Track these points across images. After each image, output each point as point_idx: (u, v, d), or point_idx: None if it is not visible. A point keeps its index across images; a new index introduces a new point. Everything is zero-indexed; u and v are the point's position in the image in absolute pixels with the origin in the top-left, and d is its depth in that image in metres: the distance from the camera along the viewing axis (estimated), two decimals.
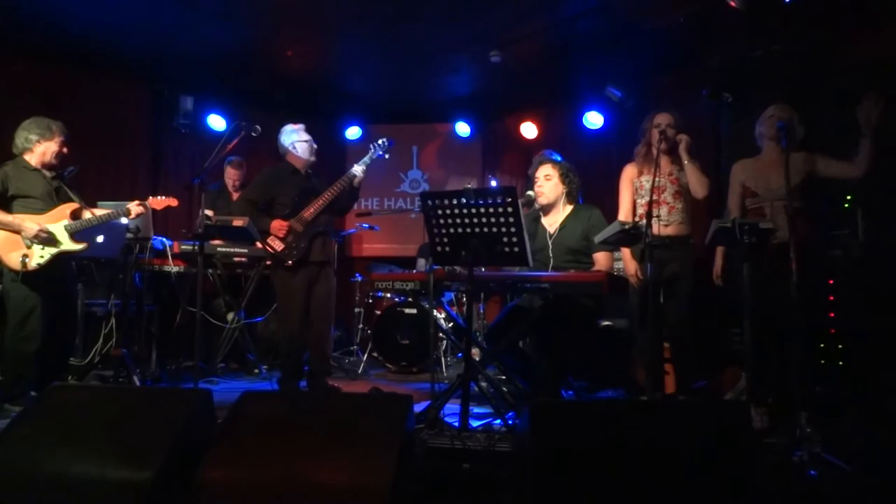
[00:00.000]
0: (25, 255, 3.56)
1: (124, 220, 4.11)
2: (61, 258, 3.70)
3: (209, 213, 5.17)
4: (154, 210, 4.17)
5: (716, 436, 2.06)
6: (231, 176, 5.55)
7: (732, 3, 4.13)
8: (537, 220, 3.78)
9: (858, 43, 4.32)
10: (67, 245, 3.70)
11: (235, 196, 5.49)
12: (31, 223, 3.59)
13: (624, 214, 3.82)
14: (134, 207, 3.92)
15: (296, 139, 4.26)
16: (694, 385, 3.76)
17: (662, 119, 3.70)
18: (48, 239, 3.62)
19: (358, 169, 4.22)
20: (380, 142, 4.28)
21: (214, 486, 1.97)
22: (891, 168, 3.94)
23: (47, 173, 3.78)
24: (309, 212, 4.11)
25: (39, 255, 3.61)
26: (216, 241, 4.86)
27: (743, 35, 4.69)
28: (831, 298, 3.73)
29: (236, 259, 5.12)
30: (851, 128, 3.28)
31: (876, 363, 3.56)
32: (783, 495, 2.36)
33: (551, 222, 3.74)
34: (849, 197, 3.96)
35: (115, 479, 1.98)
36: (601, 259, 3.59)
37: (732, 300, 3.46)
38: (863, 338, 3.65)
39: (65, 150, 3.80)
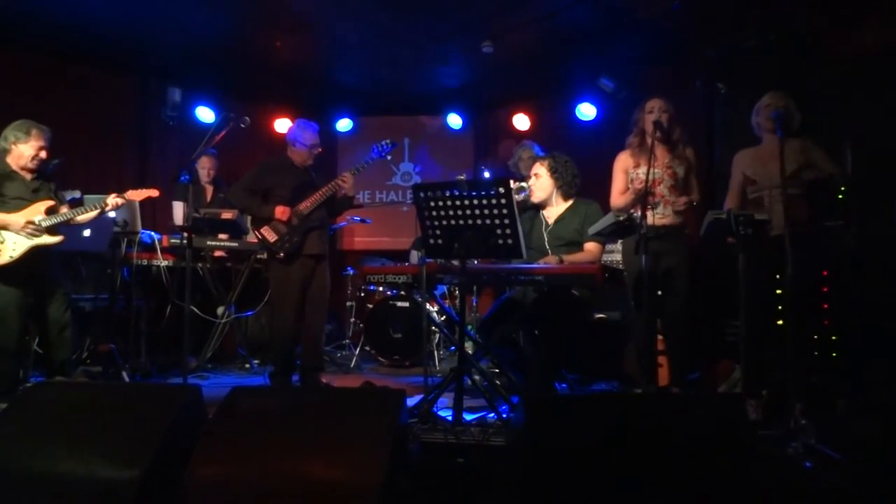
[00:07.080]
0: None
1: (112, 214, 4.03)
2: (40, 253, 3.63)
3: (179, 205, 5.13)
4: (138, 202, 4.09)
5: (711, 428, 2.05)
6: (205, 165, 5.36)
7: None
8: (538, 211, 3.76)
9: (850, 33, 4.31)
10: (43, 239, 3.62)
11: (209, 190, 5.41)
12: (16, 217, 3.53)
13: (617, 194, 3.67)
14: (111, 200, 3.78)
15: (299, 139, 4.17)
16: (688, 377, 3.75)
17: (655, 104, 3.53)
18: (36, 230, 3.56)
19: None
20: (384, 142, 4.26)
21: (204, 483, 1.94)
22: (884, 161, 3.95)
23: (27, 175, 3.71)
24: (305, 205, 4.07)
25: (11, 249, 3.54)
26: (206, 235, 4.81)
27: (736, 25, 4.66)
28: (825, 290, 3.73)
29: (225, 252, 5.06)
30: (842, 117, 3.27)
31: (869, 354, 3.57)
32: (779, 487, 2.35)
33: (549, 215, 3.74)
34: (843, 188, 3.95)
35: (102, 477, 1.95)
36: (592, 248, 3.58)
37: (727, 291, 3.44)
38: (856, 329, 3.66)
39: (42, 154, 3.71)
